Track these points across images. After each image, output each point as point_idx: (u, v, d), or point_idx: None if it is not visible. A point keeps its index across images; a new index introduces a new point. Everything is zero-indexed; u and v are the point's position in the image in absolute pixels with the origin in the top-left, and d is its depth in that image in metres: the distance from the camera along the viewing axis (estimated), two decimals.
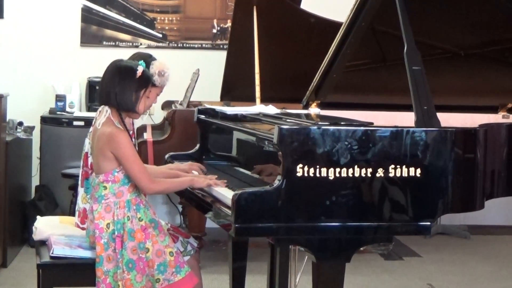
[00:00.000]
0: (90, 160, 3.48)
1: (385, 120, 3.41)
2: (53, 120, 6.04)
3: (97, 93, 3.23)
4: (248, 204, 2.66)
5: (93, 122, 3.57)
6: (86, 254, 3.22)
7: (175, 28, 6.64)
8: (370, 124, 2.91)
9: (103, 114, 3.16)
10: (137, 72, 3.13)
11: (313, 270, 2.82)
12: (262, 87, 4.92)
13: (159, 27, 6.62)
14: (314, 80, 3.76)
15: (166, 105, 5.79)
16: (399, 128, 2.82)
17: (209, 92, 5.74)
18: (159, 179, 3.22)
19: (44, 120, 6.05)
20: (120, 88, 3.12)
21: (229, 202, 2.77)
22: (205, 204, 3.14)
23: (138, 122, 5.50)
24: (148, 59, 3.43)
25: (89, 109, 6.19)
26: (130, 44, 6.54)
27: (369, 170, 2.76)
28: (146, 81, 3.17)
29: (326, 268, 2.79)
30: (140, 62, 3.17)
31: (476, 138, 2.97)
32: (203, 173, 3.41)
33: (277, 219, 2.69)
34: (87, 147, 3.52)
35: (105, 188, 3.14)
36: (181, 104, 5.48)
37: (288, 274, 3.63)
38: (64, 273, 3.23)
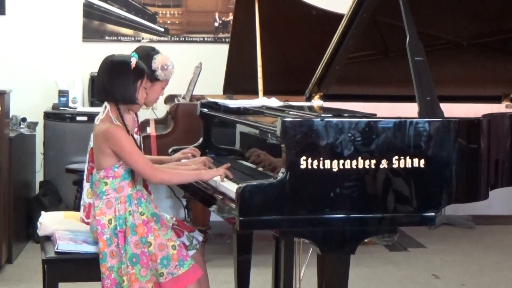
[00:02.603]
0: None
1: (388, 111, 3.40)
2: (56, 116, 6.03)
3: (94, 92, 3.21)
4: (252, 197, 2.66)
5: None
6: (91, 249, 3.21)
7: (177, 22, 6.63)
8: (373, 115, 2.91)
9: (102, 111, 3.17)
10: (131, 64, 3.12)
11: (318, 262, 2.82)
12: (265, 79, 4.91)
13: (161, 21, 6.61)
14: (316, 72, 3.74)
15: (169, 99, 5.79)
16: (403, 119, 2.82)
17: (211, 85, 5.73)
18: (164, 168, 3.23)
19: (47, 115, 6.04)
20: (117, 82, 3.12)
21: (233, 195, 2.77)
22: (209, 198, 3.14)
23: (141, 117, 5.46)
24: (151, 53, 3.42)
25: (92, 104, 6.19)
26: (132, 38, 6.53)
27: (373, 161, 2.75)
28: (141, 72, 3.16)
29: (331, 260, 2.79)
30: (132, 54, 3.18)
31: (480, 128, 2.97)
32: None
33: (281, 212, 2.69)
34: (92, 142, 3.52)
35: (106, 184, 3.14)
36: (184, 98, 5.48)
37: (293, 267, 3.63)
38: (69, 268, 3.23)
